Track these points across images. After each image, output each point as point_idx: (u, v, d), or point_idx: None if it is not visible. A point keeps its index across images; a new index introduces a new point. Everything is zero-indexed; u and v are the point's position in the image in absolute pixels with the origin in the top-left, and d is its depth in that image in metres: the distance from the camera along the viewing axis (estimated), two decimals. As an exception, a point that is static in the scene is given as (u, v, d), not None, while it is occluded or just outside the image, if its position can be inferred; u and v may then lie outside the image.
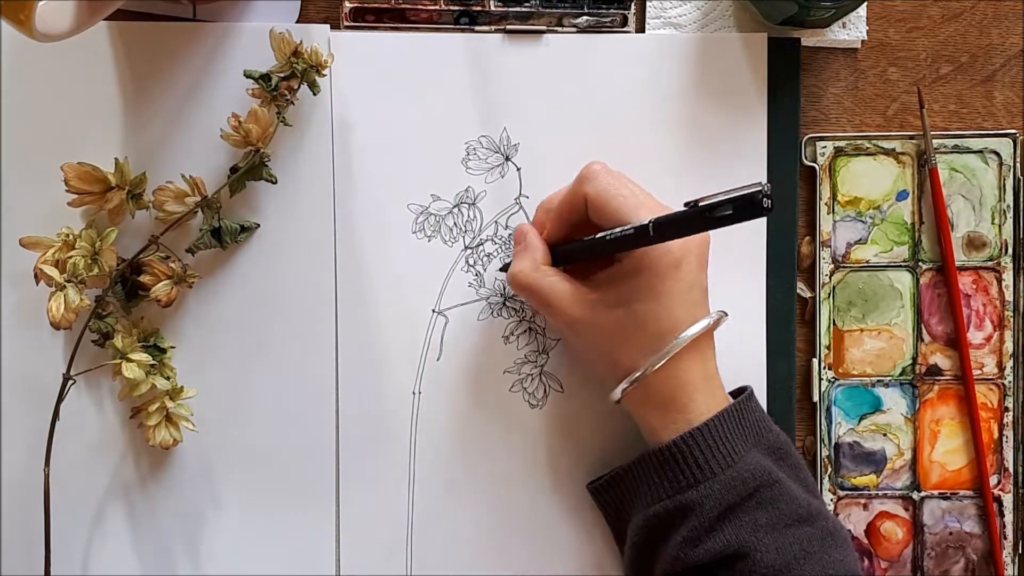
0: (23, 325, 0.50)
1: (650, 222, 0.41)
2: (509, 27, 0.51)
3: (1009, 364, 0.53)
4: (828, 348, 0.52)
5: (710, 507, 0.43)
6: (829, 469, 0.52)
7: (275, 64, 0.48)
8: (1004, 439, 0.53)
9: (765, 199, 0.35)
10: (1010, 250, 0.53)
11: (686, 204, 0.39)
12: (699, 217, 0.39)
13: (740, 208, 0.37)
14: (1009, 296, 0.53)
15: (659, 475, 0.45)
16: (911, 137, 0.52)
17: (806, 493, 0.45)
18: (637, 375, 0.44)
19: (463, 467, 0.51)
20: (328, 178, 0.51)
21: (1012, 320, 0.53)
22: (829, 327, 0.52)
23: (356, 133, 0.51)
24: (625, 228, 0.43)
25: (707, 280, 0.45)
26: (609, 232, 0.44)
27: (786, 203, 0.52)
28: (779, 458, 0.45)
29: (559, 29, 0.51)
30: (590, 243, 0.45)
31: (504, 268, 0.51)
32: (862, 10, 0.52)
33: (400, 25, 0.51)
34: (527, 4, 0.51)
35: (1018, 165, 0.52)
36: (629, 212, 0.44)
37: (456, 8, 0.51)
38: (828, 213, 0.52)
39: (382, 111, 0.51)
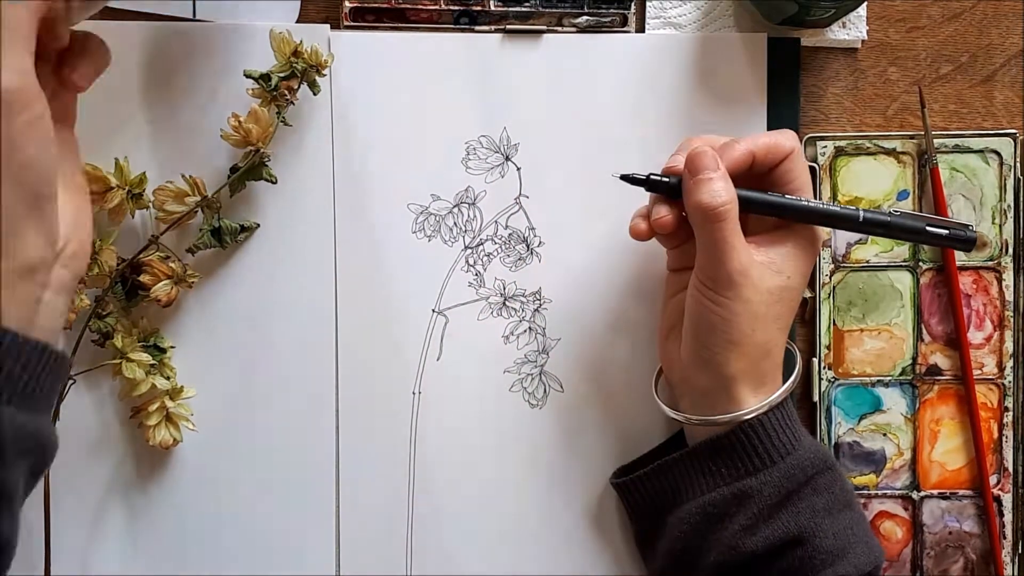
0: (23, 325, 0.50)
1: (863, 212, 0.45)
2: (509, 27, 0.51)
3: (1009, 364, 0.53)
4: (828, 348, 0.52)
5: (769, 494, 0.43)
6: (829, 469, 0.52)
7: (275, 64, 0.48)
8: (1004, 439, 0.53)
9: (972, 243, 0.44)
10: (1010, 250, 0.53)
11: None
12: (909, 231, 0.45)
13: (953, 240, 0.45)
14: (1009, 296, 0.53)
15: (715, 463, 0.44)
16: (911, 137, 0.52)
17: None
18: (734, 415, 0.44)
19: (463, 467, 0.51)
20: (328, 178, 0.51)
21: (1012, 320, 0.53)
22: (829, 327, 0.52)
23: (356, 133, 0.51)
24: (835, 205, 0.46)
25: None
26: (817, 201, 0.46)
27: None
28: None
29: (559, 29, 0.51)
30: (785, 201, 0.45)
31: (626, 177, 0.46)
32: (862, 10, 0.52)
33: (400, 25, 0.51)
34: (527, 4, 0.51)
35: (1018, 165, 0.52)
36: (809, 185, 0.46)
37: (456, 8, 0.51)
38: (828, 213, 0.52)
39: (382, 111, 0.51)
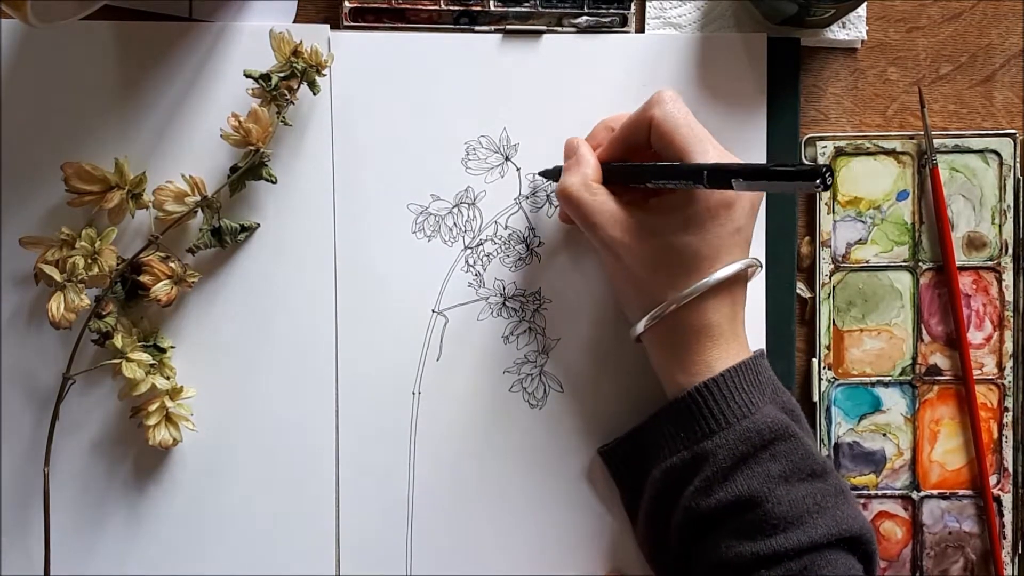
0: (23, 325, 0.50)
1: (705, 170, 0.41)
2: (509, 27, 0.51)
3: (1009, 364, 0.53)
4: (828, 348, 0.52)
5: (724, 457, 0.43)
6: (829, 469, 0.52)
7: (275, 64, 0.48)
8: (1004, 439, 0.53)
9: (828, 176, 0.36)
10: (1010, 250, 0.53)
11: (735, 181, 0.39)
12: (756, 172, 0.39)
13: (800, 175, 0.37)
14: (1009, 296, 0.53)
15: (676, 426, 0.45)
16: (911, 137, 0.52)
17: (818, 451, 0.46)
18: (662, 308, 0.44)
19: (463, 467, 0.51)
20: (328, 178, 0.51)
21: (1012, 320, 0.53)
22: (829, 327, 0.52)
23: (356, 133, 0.51)
24: (682, 165, 0.43)
25: (753, 229, 0.45)
26: (666, 164, 0.43)
27: (786, 203, 0.52)
28: (793, 419, 0.46)
29: (559, 29, 0.51)
30: (642, 168, 0.45)
31: (543, 172, 0.51)
32: (862, 10, 0.52)
33: (400, 25, 0.51)
34: (527, 4, 0.51)
35: (1018, 165, 0.52)
36: (693, 145, 0.44)
37: (456, 8, 0.51)
38: (828, 213, 0.52)
39: (382, 111, 0.51)
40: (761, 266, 0.46)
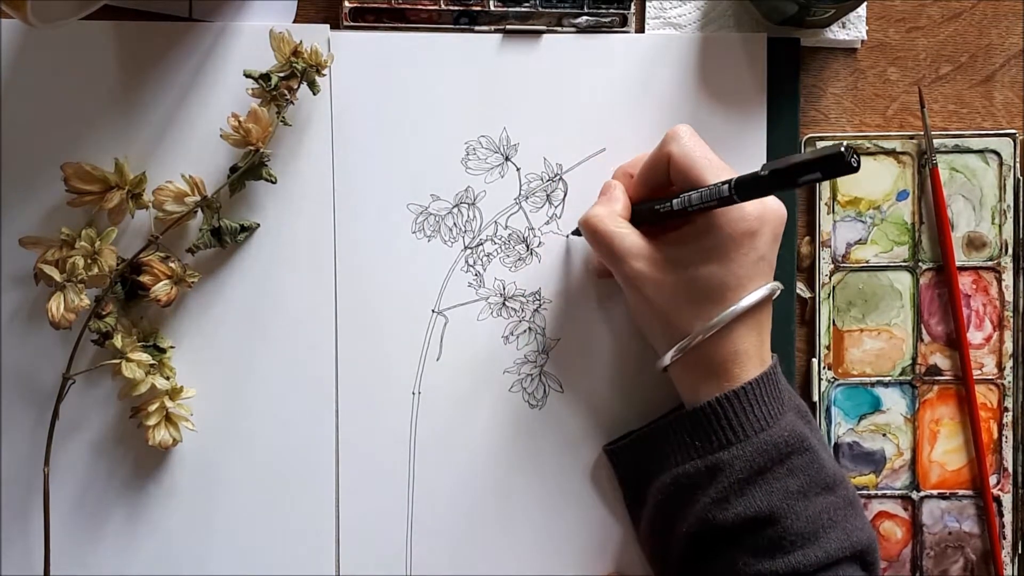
0: (23, 325, 0.50)
1: (729, 182, 0.41)
2: (509, 27, 0.51)
3: (1009, 364, 0.53)
4: (828, 348, 0.52)
5: (740, 468, 0.43)
6: (829, 469, 0.52)
7: (275, 64, 0.48)
8: (1003, 439, 0.53)
9: (854, 158, 0.36)
10: (1010, 250, 0.53)
11: (763, 168, 0.39)
12: (781, 176, 0.39)
13: (826, 168, 0.37)
14: (1009, 296, 0.53)
15: (691, 435, 0.45)
16: (911, 137, 0.52)
17: (830, 458, 0.46)
18: (688, 340, 0.44)
19: (463, 467, 0.51)
20: (328, 178, 0.51)
21: (1012, 320, 0.53)
22: (829, 327, 0.52)
23: (356, 133, 0.51)
24: (704, 188, 0.43)
25: (776, 255, 0.45)
26: (689, 191, 0.43)
27: (786, 203, 0.52)
28: (807, 423, 0.46)
29: (559, 29, 0.51)
30: (667, 200, 0.45)
31: (576, 232, 0.51)
32: (862, 10, 0.52)
33: (400, 25, 0.51)
34: (527, 4, 0.51)
35: (1018, 165, 0.52)
36: (711, 174, 0.44)
37: (456, 8, 0.51)
38: (828, 213, 0.52)
39: (382, 111, 0.51)
40: (782, 287, 0.46)
